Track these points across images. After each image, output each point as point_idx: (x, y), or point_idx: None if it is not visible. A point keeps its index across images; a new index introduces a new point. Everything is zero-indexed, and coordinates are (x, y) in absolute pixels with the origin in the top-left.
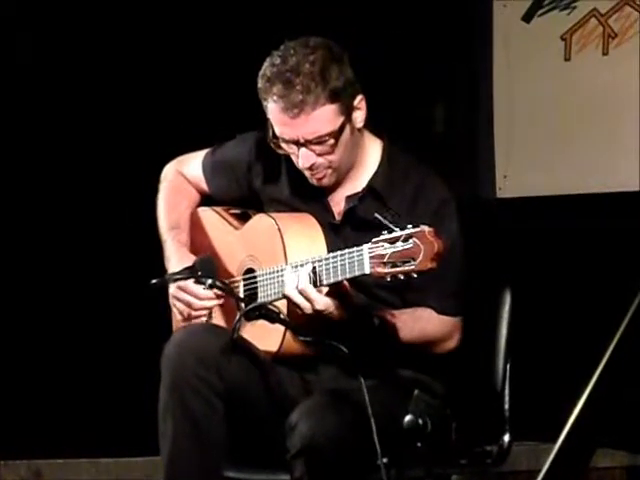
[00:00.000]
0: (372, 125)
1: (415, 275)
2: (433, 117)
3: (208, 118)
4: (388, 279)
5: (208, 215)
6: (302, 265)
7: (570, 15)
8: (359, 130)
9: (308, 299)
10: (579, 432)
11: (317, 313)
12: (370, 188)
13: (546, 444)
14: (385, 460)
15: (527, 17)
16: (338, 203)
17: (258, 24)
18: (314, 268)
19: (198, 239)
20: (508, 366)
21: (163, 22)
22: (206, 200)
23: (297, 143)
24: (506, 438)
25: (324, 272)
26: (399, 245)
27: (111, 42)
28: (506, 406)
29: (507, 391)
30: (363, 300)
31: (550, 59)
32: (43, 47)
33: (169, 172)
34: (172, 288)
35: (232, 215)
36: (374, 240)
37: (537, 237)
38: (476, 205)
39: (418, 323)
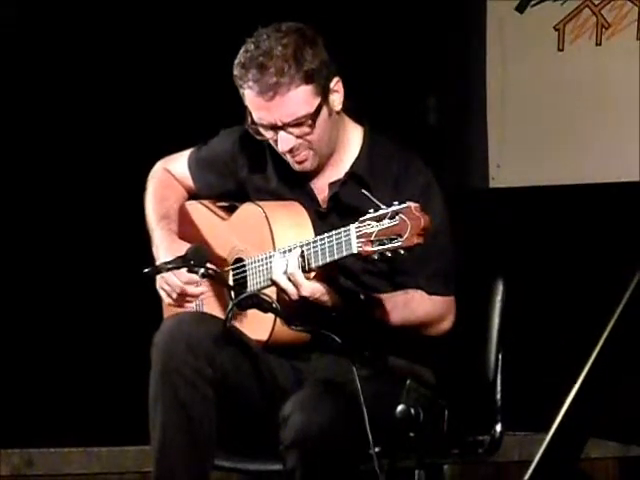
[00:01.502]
0: (368, 116)
1: (402, 252)
2: (426, 107)
3: (197, 118)
4: (375, 257)
5: (196, 208)
6: (290, 250)
7: (563, 5)
8: (338, 114)
9: (295, 284)
10: (571, 422)
11: (303, 299)
12: (352, 173)
13: (538, 434)
14: (377, 450)
15: (520, 7)
16: (323, 190)
17: (243, 26)
18: (302, 252)
19: (187, 231)
20: (500, 356)
21: (147, 25)
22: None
23: (275, 127)
24: (498, 428)
25: (312, 255)
26: (385, 222)
27: (97, 46)
28: (498, 396)
29: (499, 381)
30: (351, 286)
31: (543, 49)
32: (32, 47)
33: (157, 170)
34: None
35: (220, 207)
36: (361, 219)
37: (530, 227)
38: (469, 195)
39: (409, 305)
